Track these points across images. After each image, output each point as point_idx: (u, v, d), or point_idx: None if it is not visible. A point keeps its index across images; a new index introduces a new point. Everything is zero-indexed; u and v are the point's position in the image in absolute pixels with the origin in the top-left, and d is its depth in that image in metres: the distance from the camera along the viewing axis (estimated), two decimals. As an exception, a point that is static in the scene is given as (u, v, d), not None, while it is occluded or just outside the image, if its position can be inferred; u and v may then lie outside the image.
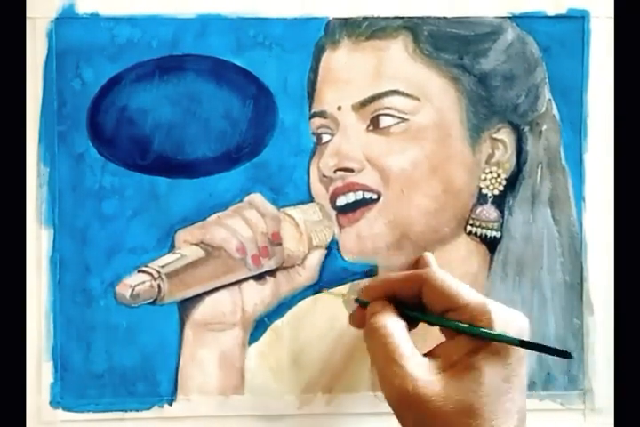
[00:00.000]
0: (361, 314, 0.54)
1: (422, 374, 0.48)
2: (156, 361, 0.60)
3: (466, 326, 0.49)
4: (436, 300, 0.51)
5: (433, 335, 0.52)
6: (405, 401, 0.48)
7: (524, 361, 0.49)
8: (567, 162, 0.62)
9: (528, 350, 0.49)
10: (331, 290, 0.61)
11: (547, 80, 0.62)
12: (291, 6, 0.61)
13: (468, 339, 0.49)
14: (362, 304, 0.54)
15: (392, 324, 0.51)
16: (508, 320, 0.49)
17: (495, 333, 0.48)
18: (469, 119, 0.61)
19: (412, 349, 0.49)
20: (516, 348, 0.49)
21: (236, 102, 0.61)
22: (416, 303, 0.52)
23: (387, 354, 0.49)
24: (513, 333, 0.49)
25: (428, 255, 0.56)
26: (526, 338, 0.50)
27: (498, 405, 0.47)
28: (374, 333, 0.51)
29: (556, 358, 0.60)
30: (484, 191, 0.61)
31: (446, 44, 0.60)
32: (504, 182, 0.61)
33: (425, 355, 0.50)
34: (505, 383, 0.48)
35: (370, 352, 0.51)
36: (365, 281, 0.61)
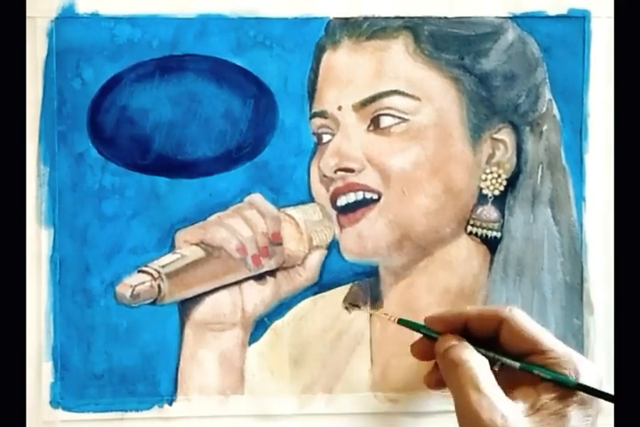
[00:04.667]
0: (424, 345, 0.55)
1: (511, 412, 0.48)
2: (156, 361, 0.60)
3: (552, 374, 0.50)
4: (516, 341, 0.52)
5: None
6: None
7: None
8: (568, 162, 0.62)
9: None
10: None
11: (547, 80, 0.61)
12: (291, 6, 0.60)
13: (553, 386, 0.50)
14: (428, 336, 0.54)
15: (475, 359, 0.51)
16: (590, 371, 0.51)
17: (586, 387, 0.50)
18: (470, 119, 0.60)
19: (498, 386, 0.50)
20: (600, 400, 0.50)
21: (237, 102, 0.61)
22: (488, 342, 0.53)
23: (474, 386, 0.49)
24: (594, 384, 0.50)
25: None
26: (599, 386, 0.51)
27: None
28: (458, 367, 0.51)
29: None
30: (485, 191, 0.61)
31: (447, 44, 0.60)
32: (504, 183, 0.61)
33: None
34: None
35: (452, 385, 0.51)
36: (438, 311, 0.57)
